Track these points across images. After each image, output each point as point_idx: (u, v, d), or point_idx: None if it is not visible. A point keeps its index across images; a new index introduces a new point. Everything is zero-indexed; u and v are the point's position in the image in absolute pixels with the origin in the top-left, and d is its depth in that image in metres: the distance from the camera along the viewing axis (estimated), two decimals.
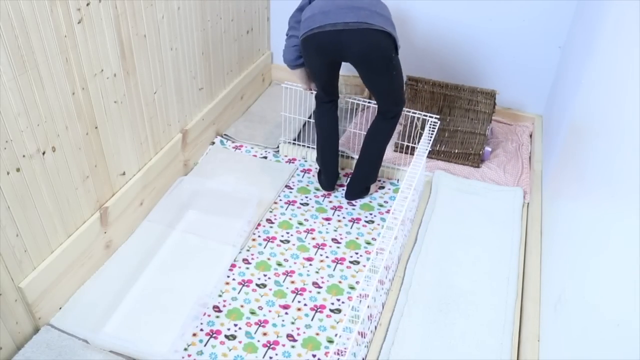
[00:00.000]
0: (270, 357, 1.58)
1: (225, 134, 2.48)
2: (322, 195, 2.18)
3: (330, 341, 1.63)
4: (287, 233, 2.00)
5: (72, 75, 1.50)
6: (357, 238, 1.99)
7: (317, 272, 1.85)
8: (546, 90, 2.51)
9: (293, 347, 1.61)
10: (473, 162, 2.30)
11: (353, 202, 2.15)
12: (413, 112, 2.20)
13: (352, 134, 2.42)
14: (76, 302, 1.68)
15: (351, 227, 2.04)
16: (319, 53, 1.89)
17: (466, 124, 2.24)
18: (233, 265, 1.85)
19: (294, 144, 2.38)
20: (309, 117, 2.53)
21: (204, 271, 1.81)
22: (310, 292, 1.78)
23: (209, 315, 1.68)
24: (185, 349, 1.58)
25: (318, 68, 1.97)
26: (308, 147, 2.37)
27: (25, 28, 1.32)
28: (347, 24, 1.77)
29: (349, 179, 2.19)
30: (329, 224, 2.05)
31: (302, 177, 2.28)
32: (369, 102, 2.31)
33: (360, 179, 2.14)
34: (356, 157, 2.31)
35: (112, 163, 1.77)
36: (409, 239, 1.92)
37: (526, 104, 2.60)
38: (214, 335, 1.63)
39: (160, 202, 2.06)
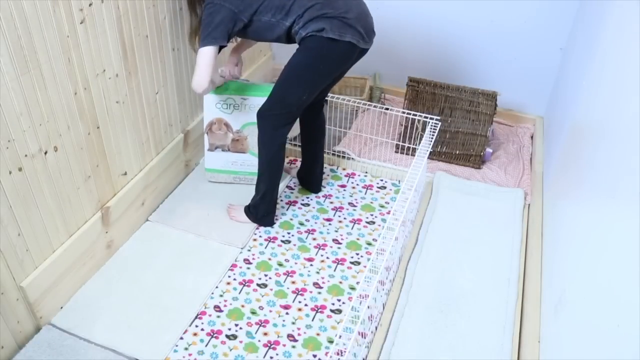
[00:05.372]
0: (271, 357, 1.58)
1: None
2: (323, 196, 2.18)
3: (331, 341, 1.63)
4: (288, 233, 2.00)
5: (74, 75, 1.51)
6: (358, 239, 2.00)
7: (317, 273, 1.85)
8: (547, 92, 2.52)
9: (294, 347, 1.61)
10: (474, 164, 2.30)
11: (354, 202, 2.15)
12: (414, 114, 2.20)
13: (354, 136, 2.42)
14: (77, 302, 1.68)
15: (352, 228, 2.04)
16: (344, 62, 1.77)
17: (467, 125, 2.24)
18: (234, 265, 1.86)
19: (293, 144, 2.38)
20: None
21: (205, 271, 1.81)
22: (311, 292, 1.78)
23: (209, 315, 1.69)
24: (186, 349, 1.58)
25: (327, 76, 1.79)
26: None
27: (27, 28, 1.32)
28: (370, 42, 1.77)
29: (309, 174, 2.17)
30: (330, 224, 2.05)
31: None
32: (368, 104, 2.31)
33: (321, 168, 2.18)
34: (356, 157, 2.32)
35: (114, 163, 1.78)
36: (410, 240, 1.92)
37: (527, 106, 2.60)
38: (215, 335, 1.63)
39: (162, 202, 2.07)
